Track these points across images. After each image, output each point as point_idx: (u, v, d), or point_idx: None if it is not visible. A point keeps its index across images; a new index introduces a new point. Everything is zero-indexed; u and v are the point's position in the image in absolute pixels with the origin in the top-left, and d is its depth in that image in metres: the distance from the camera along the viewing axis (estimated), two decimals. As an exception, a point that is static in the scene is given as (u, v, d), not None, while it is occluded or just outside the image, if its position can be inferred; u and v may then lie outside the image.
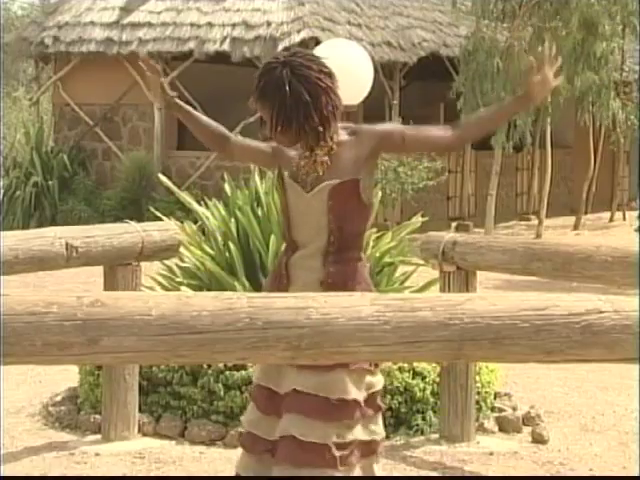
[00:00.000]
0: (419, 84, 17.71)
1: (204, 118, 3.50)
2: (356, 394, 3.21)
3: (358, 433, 3.21)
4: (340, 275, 3.21)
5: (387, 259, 6.06)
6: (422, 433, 5.20)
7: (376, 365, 3.32)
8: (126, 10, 15.59)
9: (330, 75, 3.20)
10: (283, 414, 3.20)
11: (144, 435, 5.15)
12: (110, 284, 5.01)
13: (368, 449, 3.28)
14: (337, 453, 3.13)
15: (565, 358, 2.44)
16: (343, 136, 3.21)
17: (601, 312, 2.34)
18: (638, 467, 4.56)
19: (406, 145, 3.26)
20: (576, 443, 5.18)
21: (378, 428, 3.32)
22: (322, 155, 3.17)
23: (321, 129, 3.14)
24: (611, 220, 18.19)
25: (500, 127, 14.22)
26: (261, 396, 3.30)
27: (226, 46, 14.79)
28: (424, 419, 5.25)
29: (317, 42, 12.85)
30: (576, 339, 2.35)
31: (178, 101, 3.44)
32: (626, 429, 5.40)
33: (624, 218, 18.00)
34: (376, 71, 15.59)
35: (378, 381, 3.35)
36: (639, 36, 15.02)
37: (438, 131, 3.29)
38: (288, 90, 3.08)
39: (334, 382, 3.15)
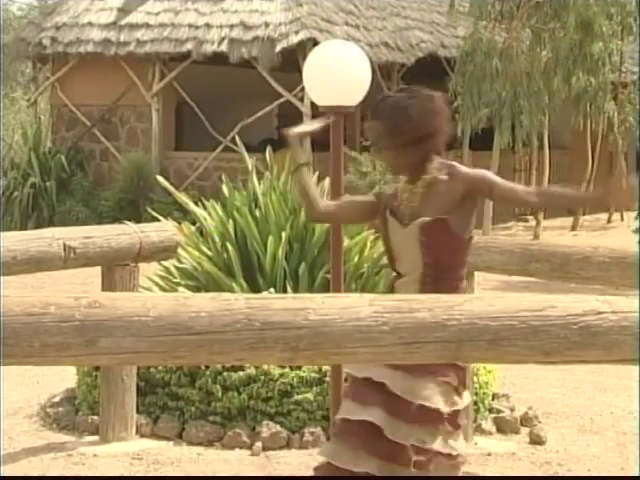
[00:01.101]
0: (417, 85, 17.71)
1: (317, 192, 3.68)
2: (441, 405, 3.30)
3: (437, 444, 3.29)
4: None
5: (384, 261, 6.06)
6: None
7: (463, 385, 3.43)
8: (124, 11, 15.58)
9: (443, 110, 3.46)
10: (371, 404, 3.29)
11: (142, 436, 5.15)
12: (108, 285, 5.01)
13: (447, 463, 3.33)
14: (414, 457, 3.25)
15: (563, 359, 2.43)
16: (440, 175, 3.41)
17: (599, 313, 2.33)
18: (638, 467, 4.56)
19: (494, 196, 3.52)
20: (574, 444, 5.18)
21: (457, 444, 3.37)
22: (421, 187, 3.40)
23: (425, 155, 3.38)
24: (609, 221, 18.20)
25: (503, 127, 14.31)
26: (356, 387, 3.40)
27: (224, 47, 14.79)
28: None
29: (315, 43, 12.85)
30: (574, 340, 2.34)
31: (304, 169, 3.61)
32: (624, 430, 5.40)
33: (622, 219, 18.01)
34: (374, 72, 15.59)
35: (463, 400, 3.43)
36: (638, 37, 14.98)
37: (524, 190, 3.54)
38: (406, 111, 3.37)
39: (420, 389, 3.28)
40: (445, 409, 3.30)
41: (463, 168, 3.50)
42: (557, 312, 2.37)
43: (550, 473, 4.70)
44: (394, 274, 3.48)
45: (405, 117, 3.35)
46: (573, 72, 15.04)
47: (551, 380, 6.39)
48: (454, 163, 3.49)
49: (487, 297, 2.55)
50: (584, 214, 17.65)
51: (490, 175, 3.52)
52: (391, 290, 3.46)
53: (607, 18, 15.39)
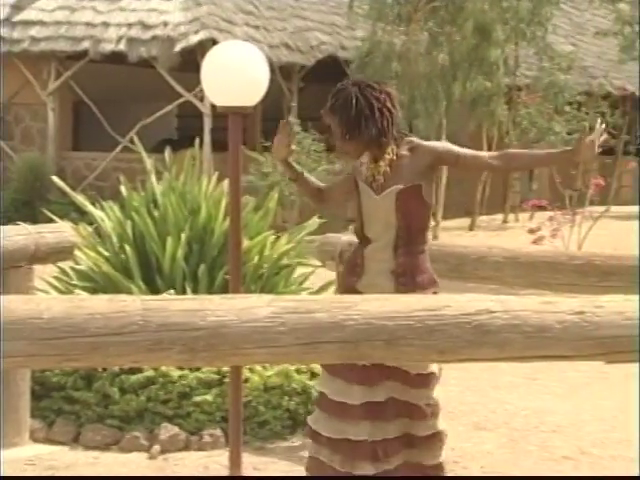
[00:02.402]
0: (317, 86, 17.76)
1: (311, 178, 4.07)
2: (433, 368, 3.87)
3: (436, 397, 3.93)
4: (408, 265, 3.76)
5: (285, 261, 6.08)
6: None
7: None
8: (17, 8, 15.26)
9: (389, 95, 3.72)
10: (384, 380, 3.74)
11: (35, 441, 5.05)
12: (1, 287, 4.90)
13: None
14: (428, 410, 3.86)
15: (457, 357, 2.48)
16: (404, 150, 3.78)
17: (491, 312, 2.38)
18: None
19: (459, 164, 3.79)
20: (469, 441, 5.27)
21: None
22: (384, 166, 3.76)
23: (379, 140, 3.72)
24: (504, 221, 18.58)
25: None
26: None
27: (122, 46, 14.60)
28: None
29: (214, 43, 12.77)
30: (468, 339, 2.39)
31: (291, 161, 4.00)
32: (516, 426, 5.53)
33: (517, 219, 18.41)
34: (274, 73, 15.58)
35: None
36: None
37: (488, 155, 3.85)
38: (354, 105, 3.68)
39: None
40: (435, 370, 3.86)
41: (424, 142, 3.82)
42: (451, 312, 2.41)
43: (447, 470, 4.76)
44: (360, 245, 3.82)
45: (356, 111, 3.67)
46: (469, 76, 15.31)
47: (448, 378, 6.47)
48: (414, 138, 3.82)
49: (384, 297, 2.59)
50: (480, 214, 17.98)
51: (452, 146, 3.81)
52: (361, 258, 3.80)
53: (502, 23, 15.71)
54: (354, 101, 3.67)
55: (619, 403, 6.09)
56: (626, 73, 21.61)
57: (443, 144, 3.89)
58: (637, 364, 2.47)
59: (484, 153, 3.90)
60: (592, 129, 3.74)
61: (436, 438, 3.90)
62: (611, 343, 2.38)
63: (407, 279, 3.74)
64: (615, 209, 19.45)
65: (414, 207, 3.75)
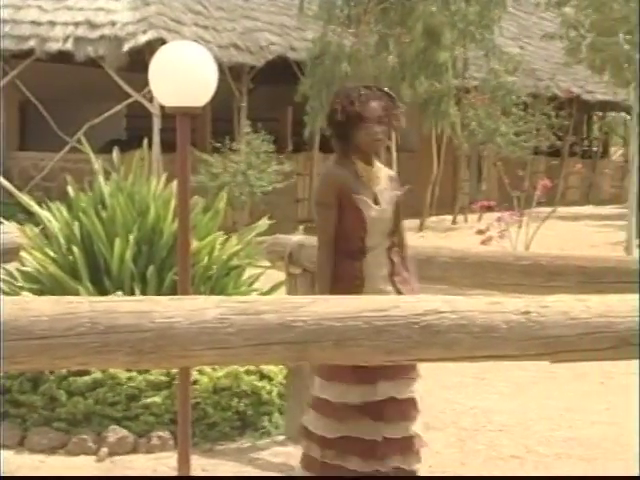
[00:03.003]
0: (267, 87, 17.77)
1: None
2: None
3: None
4: (401, 266, 4.04)
5: (234, 262, 6.06)
6: (268, 435, 5.22)
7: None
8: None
9: (347, 99, 3.96)
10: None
11: (-21, 446, 4.99)
12: (-54, 289, 4.83)
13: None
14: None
15: (406, 358, 2.49)
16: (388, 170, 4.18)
17: (439, 312, 2.39)
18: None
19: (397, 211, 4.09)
20: (419, 441, 5.29)
21: None
22: (377, 170, 4.04)
23: (344, 144, 4.00)
24: (454, 222, 18.72)
25: None
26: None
27: (69, 45, 14.46)
28: (271, 421, 5.27)
29: (163, 43, 12.70)
30: (416, 339, 2.40)
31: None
32: (465, 426, 5.57)
33: (465, 220, 18.55)
34: (224, 74, 15.54)
35: None
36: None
37: (404, 237, 4.15)
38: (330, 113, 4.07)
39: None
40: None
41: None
42: (400, 312, 2.42)
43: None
44: (354, 256, 3.95)
45: (397, 106, 4.06)
46: (418, 77, 15.40)
47: (397, 379, 6.52)
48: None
49: (332, 298, 2.59)
50: (430, 215, 18.09)
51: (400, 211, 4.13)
52: (360, 271, 3.94)
53: (451, 26, 15.83)
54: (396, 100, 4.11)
55: (565, 402, 6.16)
56: (572, 76, 21.90)
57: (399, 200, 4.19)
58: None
59: (404, 233, 4.18)
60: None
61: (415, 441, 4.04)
62: (556, 343, 2.40)
63: (401, 278, 4.00)
64: (562, 210, 19.69)
65: (401, 213, 4.08)
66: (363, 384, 3.88)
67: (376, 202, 3.99)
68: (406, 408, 3.96)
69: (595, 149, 26.19)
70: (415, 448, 4.00)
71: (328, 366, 3.85)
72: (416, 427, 4.00)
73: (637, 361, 2.56)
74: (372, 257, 3.96)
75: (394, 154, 16.63)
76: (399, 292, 3.91)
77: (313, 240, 5.08)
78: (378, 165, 4.07)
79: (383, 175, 4.06)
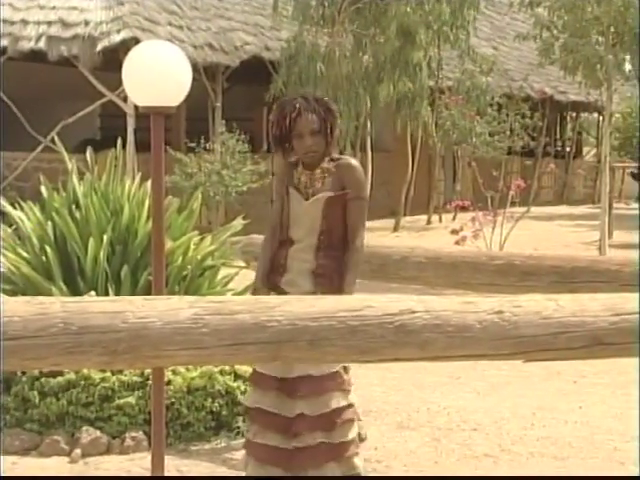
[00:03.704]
0: (242, 87, 17.74)
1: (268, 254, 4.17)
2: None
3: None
4: (327, 267, 4.04)
5: (209, 262, 6.05)
6: (243, 435, 5.20)
7: None
8: None
9: (281, 113, 4.04)
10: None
11: (-49, 448, 4.95)
12: None
13: None
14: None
15: (380, 358, 2.49)
16: (331, 165, 4.09)
17: (413, 312, 2.40)
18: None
19: (346, 208, 4.07)
20: (392, 440, 5.31)
21: None
22: (319, 173, 4.08)
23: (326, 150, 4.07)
24: (428, 222, 18.77)
25: None
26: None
27: (42, 44, 14.37)
28: (245, 421, 5.26)
29: (137, 42, 12.65)
30: (390, 339, 2.40)
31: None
32: (439, 425, 5.59)
33: (440, 220, 18.61)
34: (198, 73, 15.48)
35: None
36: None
37: (356, 236, 4.10)
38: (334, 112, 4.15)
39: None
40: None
41: (353, 168, 4.10)
42: (374, 312, 2.43)
43: (369, 470, 4.80)
44: (282, 246, 4.06)
45: (334, 116, 4.08)
46: (393, 77, 15.42)
47: (372, 379, 6.53)
48: (344, 158, 4.20)
49: (307, 298, 2.59)
50: (405, 215, 18.13)
51: (361, 191, 4.11)
52: (284, 258, 4.05)
53: (425, 26, 15.86)
54: (335, 110, 4.13)
55: (539, 401, 6.19)
56: (545, 76, 22.01)
57: (359, 181, 4.11)
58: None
59: (358, 232, 4.11)
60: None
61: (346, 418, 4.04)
62: (529, 342, 2.41)
63: (325, 280, 4.01)
64: (535, 210, 19.79)
65: (338, 214, 4.05)
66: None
67: (306, 199, 4.08)
68: (323, 383, 3.98)
69: (568, 149, 26.34)
70: (338, 421, 3.99)
71: None
72: (343, 400, 4.00)
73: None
74: (295, 250, 4.06)
75: (369, 154, 16.65)
76: (320, 292, 3.92)
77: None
78: (324, 166, 4.09)
79: (327, 176, 4.09)
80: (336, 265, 4.05)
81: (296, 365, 3.91)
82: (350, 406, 4.05)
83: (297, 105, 4.03)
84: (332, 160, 4.10)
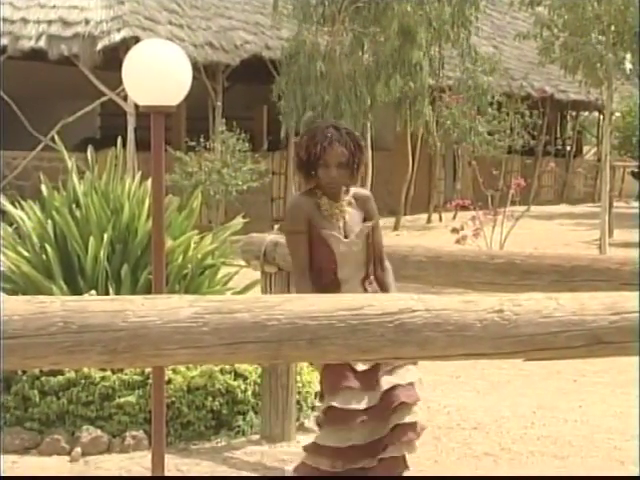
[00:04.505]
0: (242, 86, 17.74)
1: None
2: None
3: None
4: (375, 292, 4.04)
5: (209, 261, 6.05)
6: (243, 434, 5.21)
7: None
8: None
9: (312, 139, 4.00)
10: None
11: (-49, 447, 4.95)
12: None
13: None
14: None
15: (380, 356, 2.49)
16: (349, 196, 4.09)
17: (413, 311, 2.40)
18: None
19: (372, 234, 4.10)
20: (393, 439, 5.30)
21: None
22: (345, 205, 4.05)
23: (307, 179, 4.05)
24: (428, 221, 18.77)
25: None
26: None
27: (42, 43, 14.37)
28: (245, 420, 5.27)
29: (138, 41, 12.64)
30: (390, 337, 2.40)
31: None
32: (439, 424, 5.59)
33: (440, 219, 18.61)
34: (199, 72, 15.45)
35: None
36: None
37: (382, 253, 4.17)
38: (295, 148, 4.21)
39: None
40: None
41: (371, 199, 4.15)
42: (374, 311, 2.42)
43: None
44: (328, 290, 3.90)
45: (362, 152, 4.06)
46: (393, 76, 15.41)
47: (372, 377, 6.53)
48: (359, 189, 4.19)
49: (307, 297, 2.59)
50: (405, 214, 18.13)
51: (377, 221, 4.16)
52: None
53: (426, 25, 15.85)
54: (360, 142, 4.09)
55: (539, 400, 6.19)
56: (545, 75, 22.01)
57: (375, 209, 4.16)
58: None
59: (383, 253, 4.17)
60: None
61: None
62: (529, 341, 2.41)
63: None
64: (535, 209, 19.80)
65: (369, 243, 4.08)
66: (368, 390, 3.89)
67: (346, 236, 4.04)
68: (410, 393, 3.98)
69: (569, 148, 26.33)
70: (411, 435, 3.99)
71: (330, 380, 3.89)
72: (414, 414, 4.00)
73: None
74: (346, 290, 3.98)
75: (369, 153, 16.65)
76: None
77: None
78: (346, 198, 4.06)
79: (350, 208, 4.07)
80: (378, 288, 4.11)
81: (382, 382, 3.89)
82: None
83: (329, 135, 3.98)
84: (347, 191, 4.08)
